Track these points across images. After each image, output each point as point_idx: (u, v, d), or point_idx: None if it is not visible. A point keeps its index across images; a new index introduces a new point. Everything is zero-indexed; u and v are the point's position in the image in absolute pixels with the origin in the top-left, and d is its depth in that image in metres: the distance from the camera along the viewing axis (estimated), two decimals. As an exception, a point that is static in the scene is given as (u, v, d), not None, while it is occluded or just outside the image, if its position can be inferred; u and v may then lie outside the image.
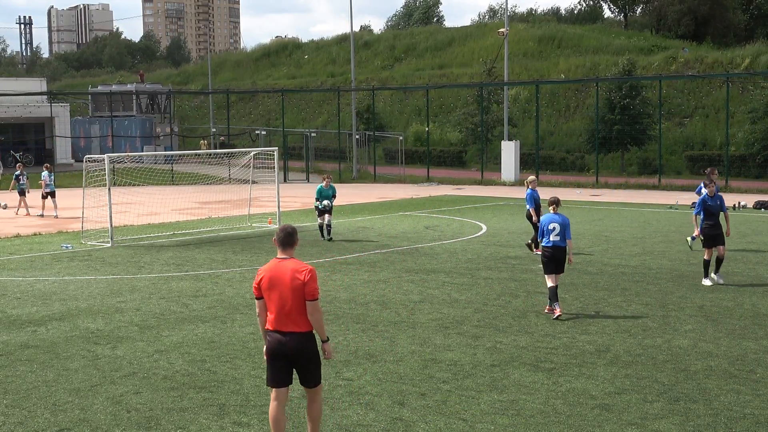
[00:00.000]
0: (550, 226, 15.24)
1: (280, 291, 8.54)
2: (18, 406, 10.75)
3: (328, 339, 8.84)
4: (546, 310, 15.40)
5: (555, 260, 15.24)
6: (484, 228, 28.25)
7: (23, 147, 65.10)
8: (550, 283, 15.25)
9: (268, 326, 8.65)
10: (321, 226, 25.87)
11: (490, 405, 10.53)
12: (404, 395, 10.94)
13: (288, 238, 8.77)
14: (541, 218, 15.60)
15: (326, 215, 25.70)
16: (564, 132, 61.98)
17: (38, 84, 70.16)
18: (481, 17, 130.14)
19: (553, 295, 15.16)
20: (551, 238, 15.22)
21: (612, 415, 10.14)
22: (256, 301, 8.79)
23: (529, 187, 22.72)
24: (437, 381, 11.50)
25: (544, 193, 22.69)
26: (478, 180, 49.56)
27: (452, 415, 10.20)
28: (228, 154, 45.99)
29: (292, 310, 8.52)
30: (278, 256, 8.74)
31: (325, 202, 25.60)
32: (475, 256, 22.41)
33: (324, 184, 25.88)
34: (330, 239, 25.58)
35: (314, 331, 8.65)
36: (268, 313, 8.69)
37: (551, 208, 15.42)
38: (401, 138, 58.58)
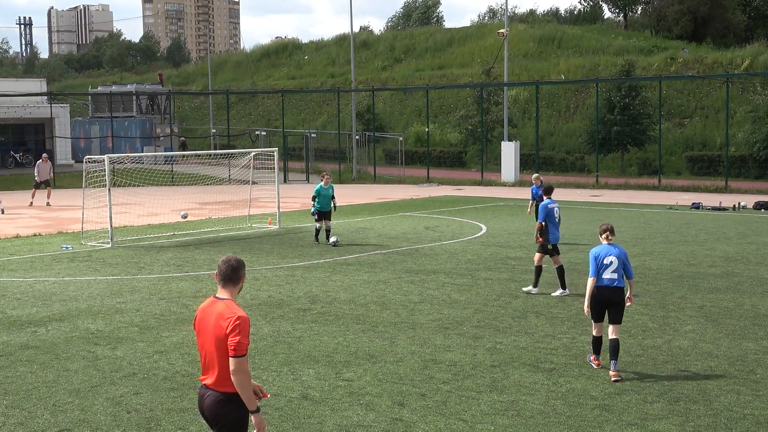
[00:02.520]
0: (606, 260, 11.94)
1: (206, 338, 6.91)
2: (18, 406, 10.75)
3: (258, 410, 6.82)
4: (593, 361, 12.26)
5: (609, 305, 11.98)
6: (484, 228, 28.25)
7: (23, 147, 65.07)
8: (595, 332, 12.19)
9: (201, 376, 7.09)
10: (318, 230, 25.26)
11: (490, 405, 10.54)
12: (404, 396, 10.94)
13: (230, 273, 7.02)
14: (592, 250, 12.12)
15: (326, 220, 25.03)
16: (564, 132, 61.99)
17: (38, 84, 70.10)
18: (480, 18, 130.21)
19: (597, 345, 12.25)
20: (606, 276, 11.91)
21: (612, 416, 10.14)
22: None
23: (534, 184, 24.02)
24: (437, 381, 11.51)
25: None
26: (478, 181, 49.55)
27: (452, 415, 10.21)
28: (228, 155, 45.98)
29: (213, 363, 6.86)
30: (217, 294, 7.06)
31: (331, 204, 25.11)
32: (475, 256, 22.42)
33: (323, 182, 25.31)
34: (335, 244, 24.66)
35: (236, 394, 6.83)
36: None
37: (604, 236, 12.24)
38: (401, 139, 58.58)
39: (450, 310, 15.93)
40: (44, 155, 41.37)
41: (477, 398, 10.81)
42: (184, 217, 29.25)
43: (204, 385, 6.98)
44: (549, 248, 17.53)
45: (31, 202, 38.71)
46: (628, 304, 12.15)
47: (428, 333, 14.15)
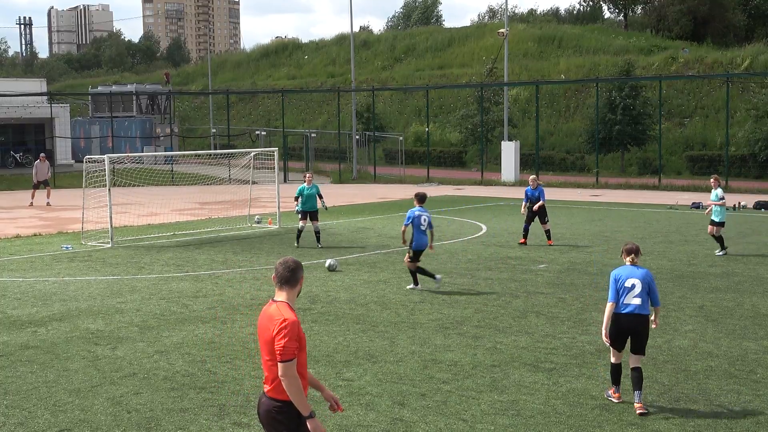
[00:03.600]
0: (628, 283, 10.53)
1: (262, 342, 6.73)
2: (18, 406, 10.75)
3: (312, 415, 6.55)
4: (612, 394, 10.85)
5: (631, 333, 10.65)
6: (484, 228, 28.25)
7: (23, 148, 65.06)
8: (614, 359, 10.88)
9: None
10: (300, 231, 24.62)
11: (490, 405, 10.54)
12: (404, 396, 10.94)
13: (288, 275, 6.80)
14: (613, 272, 10.74)
15: (314, 221, 24.42)
16: (564, 132, 62.00)
17: (38, 85, 70.08)
18: (480, 17, 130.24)
19: (616, 374, 10.88)
20: (628, 301, 10.55)
21: (612, 416, 10.14)
22: None
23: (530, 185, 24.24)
24: (437, 381, 11.51)
25: (546, 194, 22.63)
26: (478, 180, 49.55)
27: (452, 415, 10.21)
28: (228, 154, 45.98)
29: (269, 369, 6.67)
30: (274, 296, 6.86)
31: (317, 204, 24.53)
32: (475, 256, 22.42)
33: (306, 182, 24.67)
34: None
35: (289, 402, 6.61)
36: None
37: (629, 258, 10.75)
38: (401, 138, 58.57)
39: (450, 309, 15.93)
40: (42, 155, 41.38)
41: (477, 398, 10.81)
42: (258, 221, 29.02)
43: (263, 390, 6.80)
44: (411, 254, 17.75)
45: (31, 203, 38.76)
46: (653, 326, 10.87)
47: (428, 333, 14.15)
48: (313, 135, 62.05)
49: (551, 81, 65.57)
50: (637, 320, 10.54)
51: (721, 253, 22.10)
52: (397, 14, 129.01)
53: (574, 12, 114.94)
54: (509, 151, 48.86)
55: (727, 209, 33.47)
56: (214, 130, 72.04)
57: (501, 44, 59.10)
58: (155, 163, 57.83)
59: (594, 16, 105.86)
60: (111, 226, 25.52)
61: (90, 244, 25.63)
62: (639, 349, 10.62)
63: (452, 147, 63.75)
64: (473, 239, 25.81)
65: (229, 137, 67.56)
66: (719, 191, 22.38)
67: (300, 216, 24.59)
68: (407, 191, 44.70)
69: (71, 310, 16.28)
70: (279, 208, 30.10)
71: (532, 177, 25.27)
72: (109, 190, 25.61)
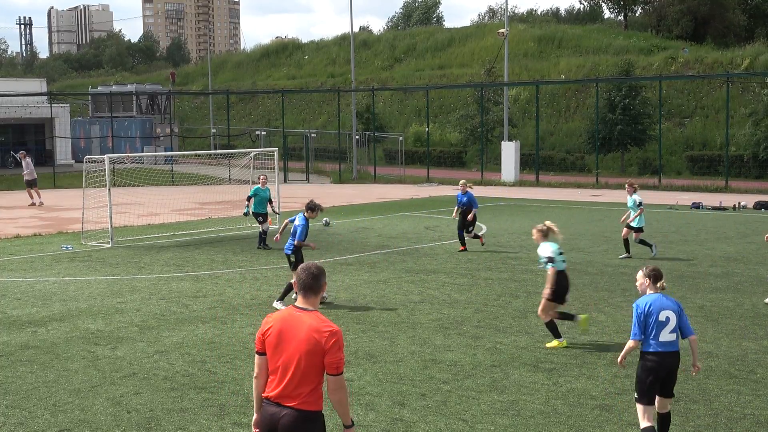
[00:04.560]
0: (662, 316, 8.77)
1: (290, 352, 6.41)
2: (18, 406, 10.75)
3: (353, 424, 6.64)
4: None
5: (666, 372, 8.92)
6: (484, 228, 28.24)
7: (23, 148, 65.01)
8: (647, 421, 8.94)
9: (267, 392, 6.57)
10: (264, 232, 24.36)
11: (490, 405, 10.54)
12: (404, 396, 10.94)
13: (312, 282, 6.56)
14: (639, 303, 8.88)
15: (263, 222, 24.42)
16: (564, 132, 62.02)
17: (38, 85, 70.11)
18: (480, 18, 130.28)
19: None
20: (665, 338, 8.80)
21: (612, 416, 10.15)
22: (256, 356, 6.67)
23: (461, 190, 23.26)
24: (437, 381, 11.51)
25: (542, 194, 22.44)
26: (478, 180, 49.47)
27: (452, 415, 10.20)
28: (228, 154, 45.97)
29: (301, 380, 6.40)
30: (296, 303, 6.60)
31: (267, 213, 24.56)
32: (475, 256, 22.41)
33: (261, 184, 24.63)
34: (266, 247, 24.05)
35: (320, 413, 6.57)
36: (269, 375, 6.61)
37: (658, 285, 8.97)
38: (401, 138, 58.57)
39: (450, 309, 15.93)
40: (22, 152, 41.04)
41: (477, 398, 10.81)
42: (327, 224, 28.88)
43: (277, 402, 6.45)
44: (292, 260, 17.03)
45: (34, 202, 38.61)
46: (693, 373, 9.33)
47: (428, 333, 14.15)
48: (313, 135, 62.07)
49: (551, 81, 65.58)
50: (675, 360, 8.95)
51: (654, 254, 21.66)
52: (397, 14, 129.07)
53: (574, 12, 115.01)
54: (509, 152, 48.86)
55: (725, 209, 33.68)
56: (214, 130, 72.05)
57: (501, 44, 59.11)
58: (155, 163, 57.83)
59: (594, 16, 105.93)
60: (111, 226, 25.52)
61: (90, 244, 25.63)
62: (671, 391, 9.13)
63: (452, 147, 63.77)
64: (473, 239, 25.76)
65: (229, 137, 67.57)
66: (636, 197, 21.66)
67: (260, 219, 24.48)
68: (407, 191, 44.72)
69: (71, 310, 16.28)
70: (279, 208, 30.06)
71: (462, 181, 23.92)
72: (109, 190, 25.61)
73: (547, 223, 13.78)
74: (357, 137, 56.03)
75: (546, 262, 13.21)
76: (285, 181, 50.56)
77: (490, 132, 56.97)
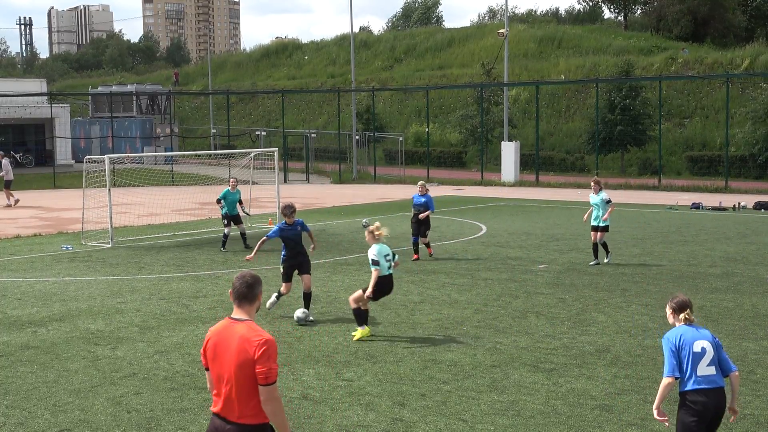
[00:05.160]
0: (697, 347, 7.63)
1: (225, 365, 6.27)
2: (18, 406, 10.76)
3: None
4: None
5: (713, 414, 7.70)
6: (484, 228, 28.26)
7: (23, 148, 65.11)
8: None
9: (213, 407, 6.46)
10: (226, 237, 24.30)
11: (490, 405, 10.54)
12: (404, 396, 10.95)
13: (247, 291, 6.41)
14: (668, 337, 7.70)
15: (238, 224, 24.50)
16: (564, 133, 62.02)
17: (38, 85, 70.15)
18: (480, 18, 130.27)
19: None
20: (703, 372, 7.62)
21: (612, 416, 10.15)
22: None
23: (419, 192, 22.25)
24: (437, 381, 11.51)
25: (542, 194, 22.33)
26: (478, 181, 49.56)
27: (452, 415, 10.21)
28: (228, 155, 45.97)
29: (240, 393, 6.24)
30: (232, 315, 6.44)
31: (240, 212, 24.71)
32: (475, 256, 22.42)
33: (230, 187, 24.68)
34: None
35: (266, 425, 6.33)
36: (213, 389, 6.48)
37: (682, 316, 7.84)
38: (401, 139, 58.59)
39: (450, 310, 15.94)
40: (0, 152, 40.94)
41: (477, 398, 10.82)
42: (366, 225, 28.41)
43: (220, 417, 6.34)
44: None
45: (9, 203, 38.20)
46: (732, 419, 8.09)
47: (428, 333, 14.16)
48: (313, 135, 62.08)
49: (551, 81, 65.58)
50: (720, 397, 7.65)
51: (607, 260, 20.78)
52: (397, 14, 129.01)
53: (574, 12, 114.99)
54: (509, 152, 48.88)
55: (725, 210, 33.69)
56: (214, 131, 72.06)
57: (501, 45, 59.13)
58: (155, 164, 57.84)
59: (593, 16, 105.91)
60: (111, 226, 25.53)
61: (90, 244, 25.64)
62: None
63: (452, 147, 63.77)
64: (473, 239, 25.82)
65: (229, 137, 67.58)
66: (604, 195, 20.73)
67: (225, 222, 24.45)
68: (407, 191, 44.68)
69: (71, 311, 16.28)
70: (279, 208, 30.06)
71: (420, 183, 22.84)
72: (109, 190, 25.62)
73: (377, 225, 14.32)
74: (357, 137, 56.05)
75: (371, 264, 13.87)
76: (285, 181, 50.57)
77: (490, 132, 56.98)
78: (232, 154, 47.11)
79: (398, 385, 11.40)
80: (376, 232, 14.10)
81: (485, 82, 58.71)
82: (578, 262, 20.99)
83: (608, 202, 20.74)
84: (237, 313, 6.39)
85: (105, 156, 26.60)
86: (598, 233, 20.71)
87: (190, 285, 18.84)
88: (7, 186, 38.76)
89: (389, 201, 39.66)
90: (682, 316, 7.83)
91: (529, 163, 52.80)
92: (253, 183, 32.73)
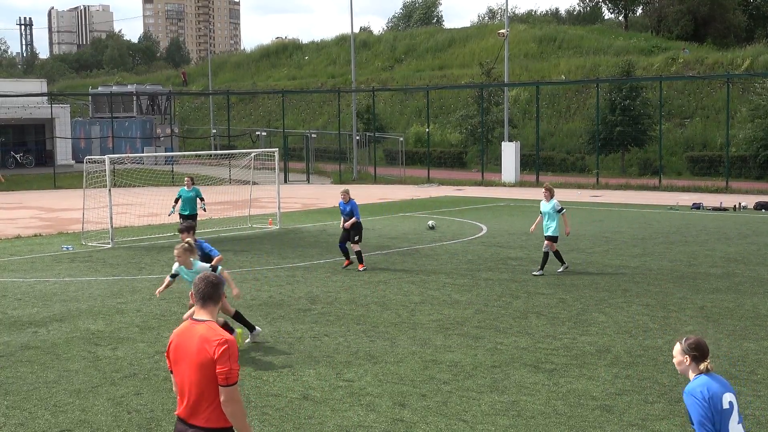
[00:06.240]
0: (725, 402, 6.43)
1: (186, 366, 6.16)
2: (19, 407, 10.75)
3: None
4: None
5: None
6: (485, 229, 28.24)
7: (24, 148, 65.11)
8: None
9: (177, 410, 6.31)
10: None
11: (490, 406, 10.53)
12: (405, 396, 10.94)
13: (210, 291, 6.31)
14: (699, 389, 6.38)
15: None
16: (564, 133, 62.01)
17: (38, 85, 70.15)
18: (480, 18, 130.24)
19: None
20: (735, 430, 6.45)
21: (613, 416, 10.14)
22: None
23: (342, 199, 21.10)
24: (438, 382, 11.51)
25: (542, 195, 22.20)
26: (478, 181, 49.55)
27: (453, 416, 10.20)
28: (228, 155, 45.94)
29: (201, 395, 6.11)
30: (194, 315, 6.33)
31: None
32: (476, 257, 22.41)
33: (186, 185, 24.69)
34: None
35: (230, 429, 6.21)
36: (177, 392, 6.35)
37: (705, 365, 6.57)
38: (401, 139, 58.58)
39: (450, 310, 15.93)
40: None
41: (478, 399, 10.81)
42: (432, 227, 27.93)
43: (184, 420, 6.20)
44: None
45: None
46: None
47: (429, 333, 14.14)
48: (313, 135, 62.09)
49: (552, 82, 65.56)
50: None
51: (560, 270, 19.80)
52: (397, 15, 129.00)
53: (574, 13, 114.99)
54: (510, 152, 48.88)
55: (726, 210, 33.68)
56: (215, 131, 72.04)
57: (501, 45, 59.13)
58: (156, 164, 57.83)
59: (594, 16, 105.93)
60: (111, 226, 25.53)
61: (90, 244, 25.63)
62: None
63: (452, 148, 63.76)
64: (474, 239, 25.81)
65: (230, 138, 67.55)
66: (555, 202, 19.80)
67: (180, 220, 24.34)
68: (408, 192, 44.71)
69: (72, 311, 16.27)
70: (279, 208, 30.09)
71: (343, 189, 21.63)
72: (110, 190, 25.62)
73: (189, 241, 13.40)
74: (357, 138, 56.06)
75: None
76: (285, 181, 50.55)
77: (490, 132, 56.96)
78: (232, 154, 47.09)
79: (399, 385, 11.39)
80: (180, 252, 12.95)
81: (485, 83, 58.70)
82: (579, 263, 20.98)
83: (560, 210, 19.76)
84: (199, 314, 6.28)
85: (105, 156, 26.59)
86: (549, 242, 19.76)
87: (190, 286, 18.79)
88: None
89: (390, 201, 39.65)
90: (703, 365, 6.54)
91: (529, 163, 52.80)
92: (254, 183, 32.72)
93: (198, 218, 24.88)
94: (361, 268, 20.50)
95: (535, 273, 19.55)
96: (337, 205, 21.84)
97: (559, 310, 15.75)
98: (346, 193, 21.16)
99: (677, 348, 6.62)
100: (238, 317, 13.68)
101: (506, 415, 10.19)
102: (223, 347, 6.00)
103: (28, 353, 13.24)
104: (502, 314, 15.52)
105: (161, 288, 13.74)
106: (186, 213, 24.56)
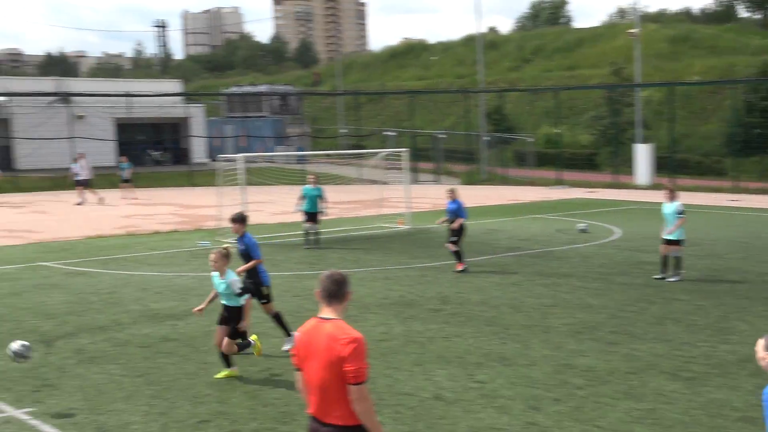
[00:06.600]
0: None
1: (315, 364, 6.15)
2: (160, 396, 11.08)
3: None
4: None
5: None
6: (618, 232, 27.70)
7: (160, 147, 67.16)
8: None
9: (308, 408, 6.31)
10: (307, 231, 25.05)
11: (626, 413, 10.31)
12: (538, 400, 10.81)
13: (335, 289, 6.27)
14: None
15: (313, 222, 24.87)
16: (700, 135, 60.23)
17: (174, 86, 72.28)
18: (610, 18, 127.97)
19: None
20: None
21: (756, 428, 9.78)
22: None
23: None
24: (571, 387, 11.33)
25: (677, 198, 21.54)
26: (610, 183, 48.69)
27: (587, 421, 10.03)
28: (358, 154, 46.38)
29: (331, 393, 6.10)
30: (320, 314, 6.28)
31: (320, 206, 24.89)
32: (609, 260, 21.99)
33: (310, 184, 25.11)
34: (313, 247, 24.76)
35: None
36: (307, 390, 6.35)
37: None
38: (531, 140, 58.03)
39: (583, 314, 15.67)
40: (80, 153, 42.00)
41: (613, 405, 10.60)
42: (584, 230, 27.73)
43: (317, 419, 6.19)
44: (264, 293, 13.81)
45: (81, 201, 39.30)
46: None
47: (561, 337, 13.95)
48: (442, 136, 62.12)
49: (685, 82, 63.84)
50: None
51: (675, 279, 18.89)
52: (525, 14, 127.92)
53: (708, 12, 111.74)
54: (643, 154, 47.90)
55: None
56: (344, 131, 72.83)
57: (632, 45, 57.94)
58: (287, 163, 58.84)
59: (728, 15, 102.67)
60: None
61: (225, 241, 26.21)
62: None
63: (583, 149, 62.78)
64: (606, 243, 25.35)
65: (359, 137, 68.16)
66: (678, 204, 18.87)
67: (305, 218, 25.00)
68: (538, 193, 44.28)
69: (209, 305, 16.65)
70: (409, 208, 30.19)
71: (449, 188, 21.34)
72: (243, 188, 26.18)
73: (228, 247, 12.33)
74: (487, 138, 55.82)
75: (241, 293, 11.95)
76: (415, 182, 50.71)
77: (622, 134, 55.87)
78: (362, 154, 47.51)
79: (531, 388, 11.27)
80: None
81: (616, 83, 57.56)
82: (717, 268, 20.36)
83: (681, 213, 18.80)
84: (325, 312, 6.24)
85: (239, 155, 27.18)
86: (672, 246, 18.99)
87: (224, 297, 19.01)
88: (83, 185, 39.52)
89: (520, 203, 39.35)
90: None
91: (663, 165, 51.49)
92: (384, 183, 32.91)
93: (319, 217, 25.14)
94: (459, 268, 20.32)
95: (671, 279, 18.96)
96: (463, 205, 21.52)
97: (698, 317, 15.30)
98: (452, 191, 20.94)
99: (761, 343, 5.89)
100: (277, 319, 13.56)
101: (643, 423, 9.95)
102: (352, 345, 5.98)
103: (168, 345, 13.65)
104: (637, 320, 15.17)
105: (205, 302, 12.40)
106: (308, 210, 24.83)
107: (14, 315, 16.01)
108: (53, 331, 14.71)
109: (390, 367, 12.25)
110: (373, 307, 16.44)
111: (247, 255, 13.70)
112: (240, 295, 11.77)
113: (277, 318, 13.57)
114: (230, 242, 25.64)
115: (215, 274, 11.98)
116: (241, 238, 13.79)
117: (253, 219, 29.12)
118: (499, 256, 22.98)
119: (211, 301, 12.22)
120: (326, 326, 6.11)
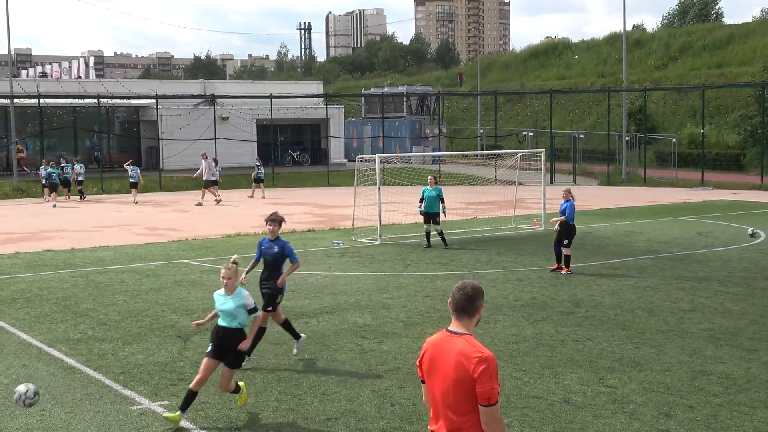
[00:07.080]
0: None
1: (441, 380, 5.86)
2: (290, 393, 11.27)
3: None
4: None
5: None
6: (764, 236, 26.67)
7: (300, 147, 68.35)
8: None
9: (430, 425, 6.11)
10: (428, 233, 24.76)
11: (765, 423, 9.92)
12: (671, 406, 10.51)
13: (465, 303, 5.89)
14: None
15: (433, 223, 24.54)
16: None
17: (315, 87, 73.41)
18: (763, 13, 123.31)
19: None
20: None
21: None
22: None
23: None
24: (707, 394, 10.97)
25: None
26: (757, 185, 46.92)
27: (722, 430, 9.71)
28: (495, 155, 46.12)
29: (457, 411, 5.80)
30: (449, 327, 5.96)
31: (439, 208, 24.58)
32: (752, 264, 21.20)
33: (429, 184, 24.73)
34: (432, 246, 24.60)
35: None
36: (430, 404, 6.10)
37: None
38: (674, 140, 56.49)
39: (723, 319, 15.15)
40: (204, 153, 42.64)
41: (750, 414, 10.21)
42: (753, 234, 26.87)
43: None
44: (278, 301, 13.16)
45: (201, 202, 40.01)
46: None
47: (698, 343, 13.53)
48: (581, 136, 61.14)
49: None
50: None
51: None
52: (672, 11, 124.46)
53: None
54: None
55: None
56: (482, 131, 72.52)
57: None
58: (423, 163, 58.98)
59: None
60: (380, 223, 26.30)
61: (359, 240, 26.50)
62: None
63: (729, 149, 60.71)
64: (750, 246, 24.44)
65: (497, 138, 67.76)
66: None
67: (424, 219, 24.79)
68: (679, 195, 43.08)
69: (341, 304, 16.89)
70: (544, 209, 29.82)
71: (565, 189, 21.38)
72: (379, 188, 26.40)
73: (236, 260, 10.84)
74: (627, 138, 54.65)
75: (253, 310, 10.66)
76: (551, 182, 50.07)
77: (771, 134, 53.71)
78: (498, 154, 47.24)
79: (665, 395, 10.97)
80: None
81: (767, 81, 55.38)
82: None
83: None
84: (455, 326, 5.92)
85: (376, 155, 27.41)
86: None
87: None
88: (208, 185, 40.20)
89: (660, 204, 38.35)
90: None
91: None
92: (519, 184, 32.64)
93: (439, 218, 25.03)
94: (564, 272, 20.08)
95: None
96: (573, 206, 21.14)
97: None
98: (567, 192, 20.90)
99: None
100: (286, 326, 13.21)
101: (782, 434, 9.57)
102: (483, 365, 5.65)
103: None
104: (780, 326, 14.58)
105: (207, 318, 11.07)
106: (427, 212, 24.77)
107: (154, 310, 16.58)
108: (191, 326, 15.12)
109: (519, 369, 12.13)
110: (504, 308, 16.32)
111: (277, 259, 13.15)
112: (252, 311, 10.62)
113: (286, 325, 13.19)
114: (366, 241, 25.93)
115: (220, 292, 10.59)
116: (277, 240, 13.24)
117: (388, 219, 29.47)
118: (635, 258, 22.46)
119: (211, 319, 10.86)
120: (456, 342, 5.83)
